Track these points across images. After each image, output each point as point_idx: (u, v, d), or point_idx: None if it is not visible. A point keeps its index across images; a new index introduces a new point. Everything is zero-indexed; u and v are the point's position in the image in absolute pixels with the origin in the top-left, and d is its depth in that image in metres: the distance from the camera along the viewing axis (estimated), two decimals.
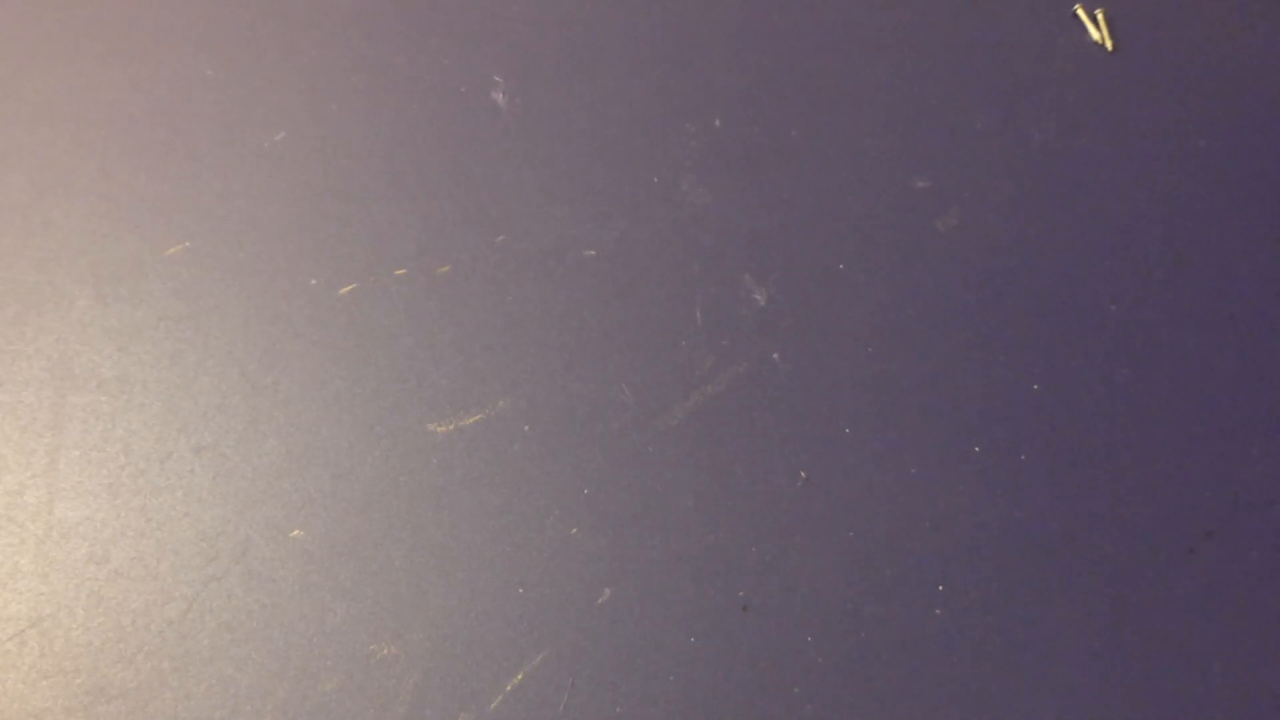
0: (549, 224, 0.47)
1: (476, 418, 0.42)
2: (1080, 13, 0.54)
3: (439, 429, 0.41)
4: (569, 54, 0.53)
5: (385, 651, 0.37)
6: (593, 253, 0.46)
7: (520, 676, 0.37)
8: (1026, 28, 0.54)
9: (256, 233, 0.46)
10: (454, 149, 0.49)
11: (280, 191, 0.48)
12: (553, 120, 0.50)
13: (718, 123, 0.50)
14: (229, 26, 0.54)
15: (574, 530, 0.39)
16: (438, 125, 0.50)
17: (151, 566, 0.38)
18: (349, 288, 0.45)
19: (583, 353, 0.43)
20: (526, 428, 0.42)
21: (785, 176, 0.48)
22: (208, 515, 0.39)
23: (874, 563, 0.39)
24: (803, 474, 0.41)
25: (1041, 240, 0.46)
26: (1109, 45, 0.53)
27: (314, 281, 0.45)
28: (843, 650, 0.37)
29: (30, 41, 0.53)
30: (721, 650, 0.37)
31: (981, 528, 0.40)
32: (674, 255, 0.46)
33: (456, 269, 0.46)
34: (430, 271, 0.45)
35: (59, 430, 0.41)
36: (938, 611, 0.38)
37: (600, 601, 0.38)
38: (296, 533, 0.39)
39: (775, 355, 0.43)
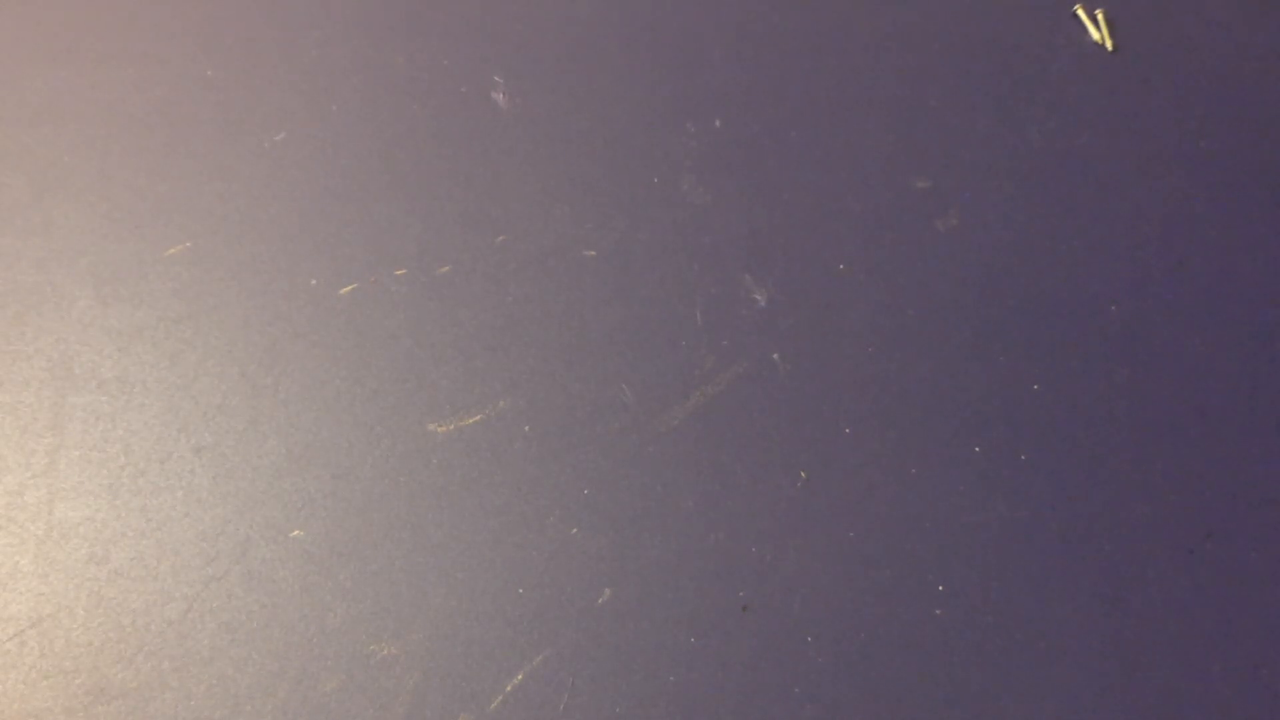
0: (549, 224, 0.47)
1: (476, 418, 0.42)
2: (1080, 13, 0.54)
3: (439, 429, 0.42)
4: (569, 54, 0.53)
5: (385, 651, 0.37)
6: (593, 253, 0.46)
7: (520, 676, 0.37)
8: (1026, 28, 0.54)
9: (256, 233, 0.46)
10: (454, 149, 0.49)
11: (280, 191, 0.48)
12: (553, 120, 0.50)
13: (718, 123, 0.50)
14: (229, 26, 0.54)
15: (574, 530, 0.39)
16: (438, 125, 0.50)
17: (151, 566, 0.38)
18: (349, 288, 0.45)
19: (583, 353, 0.43)
20: (526, 428, 0.42)
21: (785, 176, 0.48)
22: (208, 515, 0.39)
23: (874, 563, 0.39)
24: (803, 474, 0.41)
25: (1041, 240, 0.46)
26: (1109, 45, 0.53)
27: (314, 281, 0.45)
28: (843, 650, 0.37)
29: (30, 41, 0.53)
30: (721, 650, 0.37)
31: (981, 528, 0.40)
32: (674, 255, 0.46)
33: (456, 269, 0.46)
34: (430, 271, 0.45)
35: (59, 430, 0.41)
36: (938, 611, 0.38)
37: (600, 601, 0.38)
38: (296, 533, 0.39)
39: (775, 355, 0.43)
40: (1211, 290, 0.45)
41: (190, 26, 0.54)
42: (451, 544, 0.39)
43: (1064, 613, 0.38)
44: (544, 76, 0.52)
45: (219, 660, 0.37)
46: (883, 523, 0.40)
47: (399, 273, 0.45)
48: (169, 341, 0.43)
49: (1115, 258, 0.46)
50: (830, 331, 0.44)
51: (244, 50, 0.53)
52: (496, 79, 0.52)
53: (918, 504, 0.40)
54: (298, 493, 0.40)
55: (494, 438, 0.41)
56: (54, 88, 0.51)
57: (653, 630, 0.37)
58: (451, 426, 0.42)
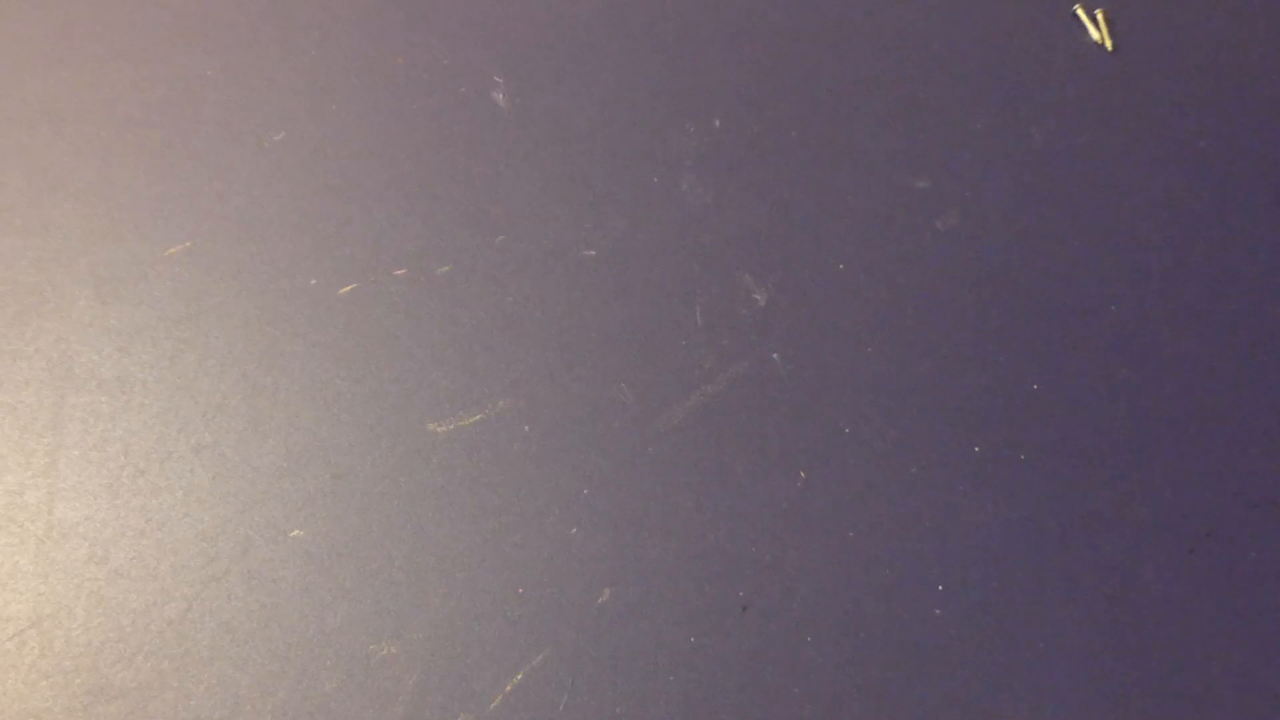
0: (549, 224, 0.47)
1: (476, 418, 0.42)
2: (1080, 13, 0.54)
3: (439, 429, 0.42)
4: (569, 54, 0.53)
5: (385, 651, 0.37)
6: (593, 253, 0.46)
7: (520, 676, 0.37)
8: (1026, 28, 0.54)
9: (256, 233, 0.46)
10: (454, 149, 0.49)
11: (280, 191, 0.48)
12: (553, 120, 0.50)
13: (718, 123, 0.50)
14: (229, 26, 0.54)
15: (574, 530, 0.39)
16: (438, 125, 0.50)
17: (151, 566, 0.38)
18: (349, 288, 0.45)
19: (583, 353, 0.43)
20: (526, 428, 0.42)
21: (785, 176, 0.48)
22: (208, 515, 0.39)
23: (874, 563, 0.39)
24: (803, 474, 0.41)
25: (1041, 240, 0.46)
26: (1109, 45, 0.53)
27: (314, 281, 0.45)
28: (843, 650, 0.37)
29: (30, 41, 0.53)
30: (721, 650, 0.37)
31: (981, 528, 0.40)
32: (674, 255, 0.46)
33: (456, 269, 0.46)
34: (430, 271, 0.45)
35: (59, 430, 0.41)
36: (938, 611, 0.38)
37: (600, 601, 0.38)
38: (296, 533, 0.39)
39: (775, 355, 0.43)
40: (1211, 290, 0.45)
41: (190, 26, 0.54)
42: (451, 544, 0.39)
43: (1064, 613, 0.38)
44: (544, 76, 0.52)
45: (219, 660, 0.37)
46: (883, 523, 0.40)
47: (399, 273, 0.45)
48: (169, 341, 0.43)
49: (1115, 258, 0.46)
50: (830, 331, 0.44)
51: (244, 50, 0.53)
52: (496, 79, 0.52)
53: (918, 504, 0.40)
54: (298, 493, 0.40)
55: (494, 438, 0.41)
56: (54, 88, 0.51)
57: (653, 630, 0.37)
58: (451, 426, 0.42)
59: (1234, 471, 0.41)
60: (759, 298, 0.45)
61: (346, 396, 0.42)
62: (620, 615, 0.38)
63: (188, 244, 0.46)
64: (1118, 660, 0.37)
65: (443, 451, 0.41)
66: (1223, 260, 0.46)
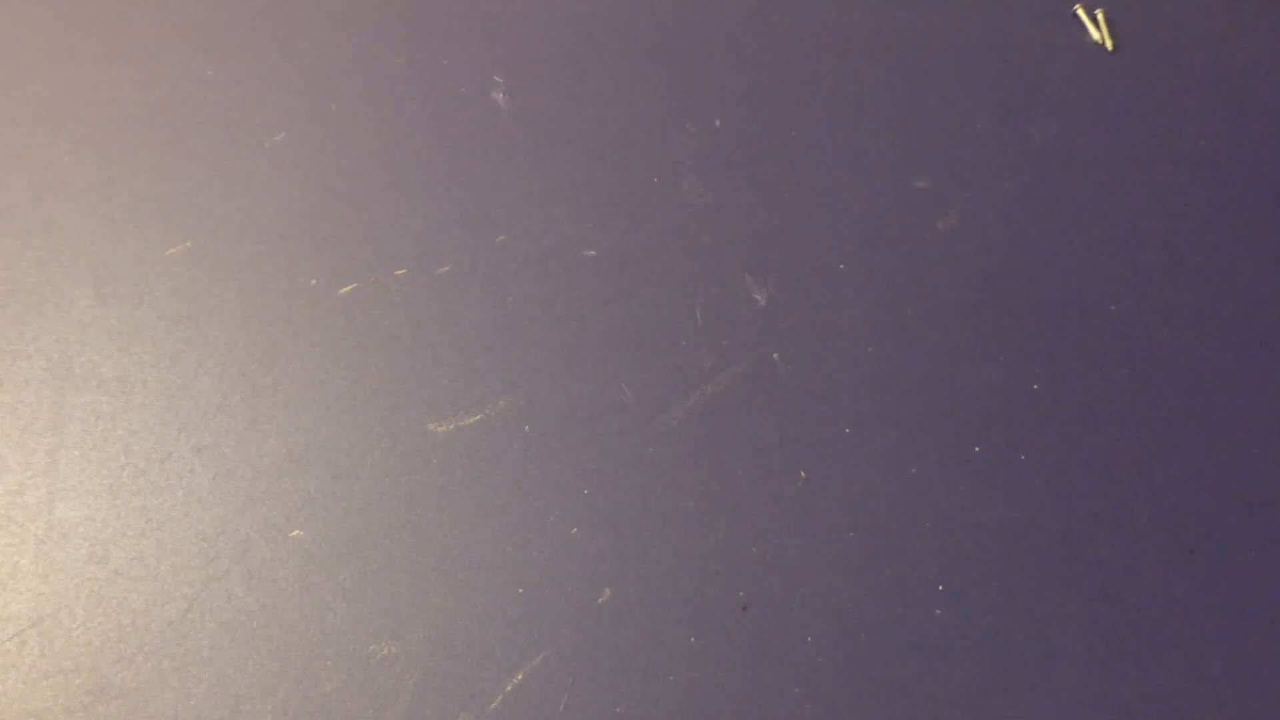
0: (549, 224, 0.47)
1: (476, 418, 0.42)
2: (1080, 13, 0.54)
3: (439, 429, 0.42)
4: (569, 54, 0.53)
5: (385, 651, 0.37)
6: (593, 253, 0.46)
7: (520, 676, 0.37)
8: (1026, 28, 0.54)
9: (256, 233, 0.46)
10: (454, 149, 0.49)
11: (280, 191, 0.48)
12: (553, 120, 0.50)
13: (718, 123, 0.50)
14: (229, 26, 0.54)
15: (574, 530, 0.39)
16: (438, 125, 0.50)
17: (151, 566, 0.38)
18: (349, 288, 0.45)
19: (583, 353, 0.43)
20: (526, 428, 0.42)
21: (785, 176, 0.48)
22: (208, 515, 0.39)
23: (874, 563, 0.39)
24: (803, 474, 0.41)
25: (1041, 240, 0.46)
26: (1109, 45, 0.53)
27: (314, 281, 0.45)
28: (843, 650, 0.37)
29: (30, 41, 0.53)
30: (721, 650, 0.37)
31: (981, 528, 0.40)
32: (674, 255, 0.46)
33: (456, 269, 0.46)
34: (430, 271, 0.45)
35: (59, 430, 0.41)
36: (938, 611, 0.38)
37: (600, 601, 0.38)
38: (296, 533, 0.39)
39: (775, 355, 0.43)
40: (1211, 290, 0.45)
41: (190, 26, 0.54)
42: (451, 544, 0.39)
43: (1064, 613, 0.38)
44: (544, 76, 0.52)
45: (219, 660, 0.37)
46: (883, 523, 0.40)
47: (399, 273, 0.45)
48: (169, 341, 0.43)
49: (1115, 258, 0.46)
50: (830, 331, 0.44)
51: (244, 50, 0.53)
52: (496, 79, 0.52)
53: (918, 504, 0.40)
54: (298, 493, 0.40)
55: (494, 438, 0.41)
56: (54, 88, 0.51)
57: (653, 630, 0.37)
58: (451, 426, 0.42)
59: (1234, 471, 0.41)
60: (759, 298, 0.45)
61: (346, 396, 0.42)
62: (620, 615, 0.38)
63: (188, 244, 0.46)
64: (1118, 660, 0.37)
65: (443, 451, 0.41)
66: (1223, 260, 0.46)
